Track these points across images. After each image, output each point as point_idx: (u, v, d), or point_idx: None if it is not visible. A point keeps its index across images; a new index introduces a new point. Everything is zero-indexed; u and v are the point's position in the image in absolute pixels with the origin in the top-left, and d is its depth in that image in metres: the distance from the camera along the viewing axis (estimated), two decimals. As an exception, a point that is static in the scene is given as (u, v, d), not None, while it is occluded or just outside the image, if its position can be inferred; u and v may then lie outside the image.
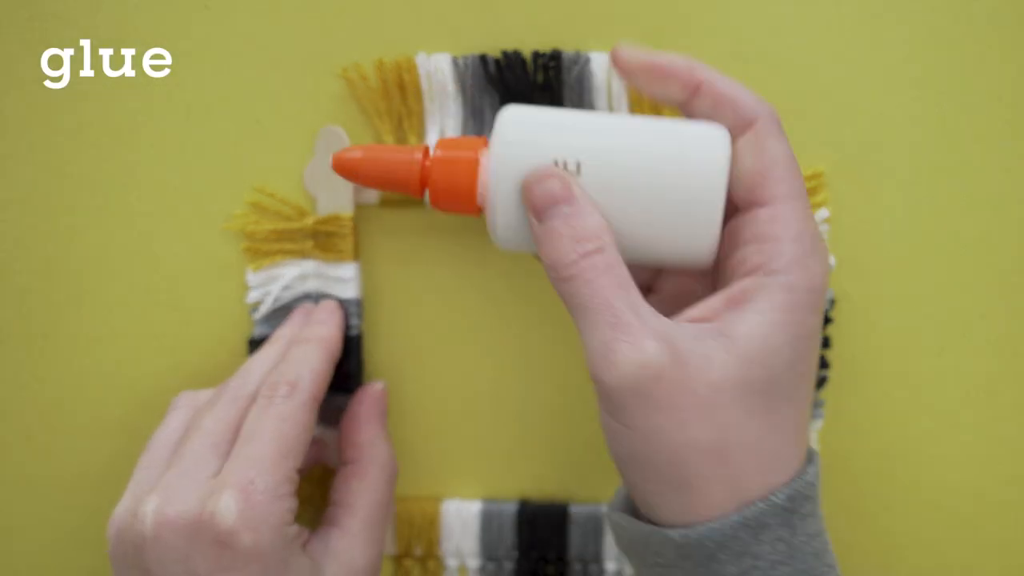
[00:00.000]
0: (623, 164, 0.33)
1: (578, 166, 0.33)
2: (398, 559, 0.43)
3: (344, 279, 0.41)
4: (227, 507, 0.32)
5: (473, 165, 0.34)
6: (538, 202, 0.33)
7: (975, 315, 0.42)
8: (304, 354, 0.38)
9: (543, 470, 0.44)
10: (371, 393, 0.41)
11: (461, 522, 0.44)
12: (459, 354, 0.42)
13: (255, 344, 0.42)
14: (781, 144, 0.34)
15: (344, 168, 0.35)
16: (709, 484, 0.31)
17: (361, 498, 0.37)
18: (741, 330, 0.31)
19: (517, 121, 0.33)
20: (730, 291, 0.33)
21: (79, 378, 0.42)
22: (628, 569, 0.43)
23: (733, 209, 0.34)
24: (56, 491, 0.43)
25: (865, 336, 0.42)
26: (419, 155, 0.34)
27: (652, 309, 0.32)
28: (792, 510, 0.31)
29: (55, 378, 0.42)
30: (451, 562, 0.44)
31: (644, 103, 0.41)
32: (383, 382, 0.41)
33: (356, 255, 0.41)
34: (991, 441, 0.43)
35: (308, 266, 0.41)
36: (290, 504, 0.34)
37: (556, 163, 0.33)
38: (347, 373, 0.41)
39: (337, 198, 0.41)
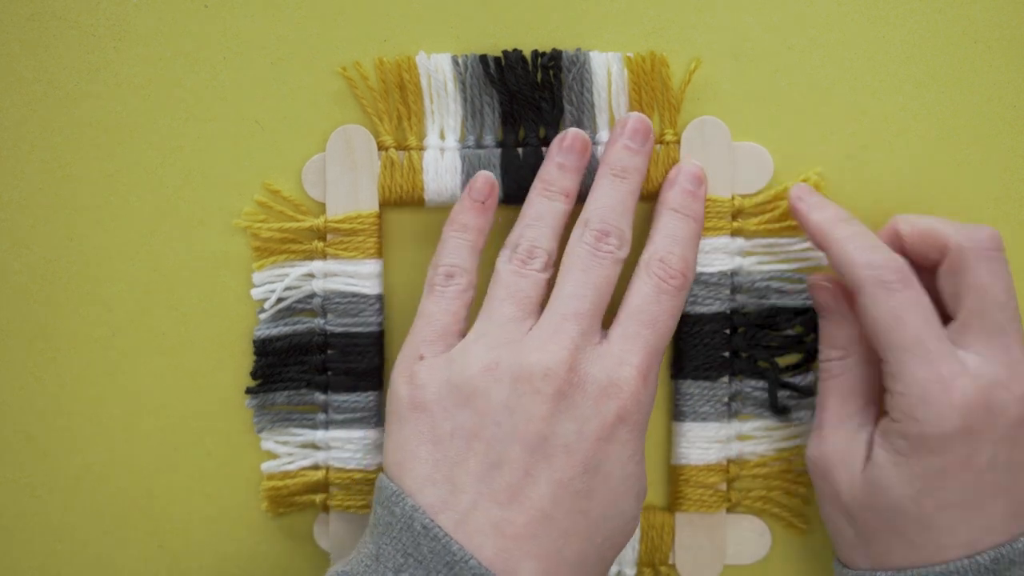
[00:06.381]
0: None
1: None
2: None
3: (367, 275, 0.41)
4: (628, 379, 0.34)
5: None
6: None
7: (975, 315, 0.42)
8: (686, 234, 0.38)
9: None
10: None
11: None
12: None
13: (259, 344, 0.41)
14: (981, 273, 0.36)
15: None
16: (951, 532, 0.33)
17: None
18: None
19: None
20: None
21: (79, 378, 0.42)
22: (628, 571, 0.43)
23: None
24: (56, 491, 0.43)
25: (865, 336, 0.42)
26: None
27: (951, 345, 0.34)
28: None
29: (55, 378, 0.42)
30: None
31: (644, 103, 0.41)
32: None
33: (380, 252, 0.41)
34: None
35: (316, 266, 0.41)
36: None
37: None
38: (369, 370, 0.41)
39: (354, 196, 0.41)
